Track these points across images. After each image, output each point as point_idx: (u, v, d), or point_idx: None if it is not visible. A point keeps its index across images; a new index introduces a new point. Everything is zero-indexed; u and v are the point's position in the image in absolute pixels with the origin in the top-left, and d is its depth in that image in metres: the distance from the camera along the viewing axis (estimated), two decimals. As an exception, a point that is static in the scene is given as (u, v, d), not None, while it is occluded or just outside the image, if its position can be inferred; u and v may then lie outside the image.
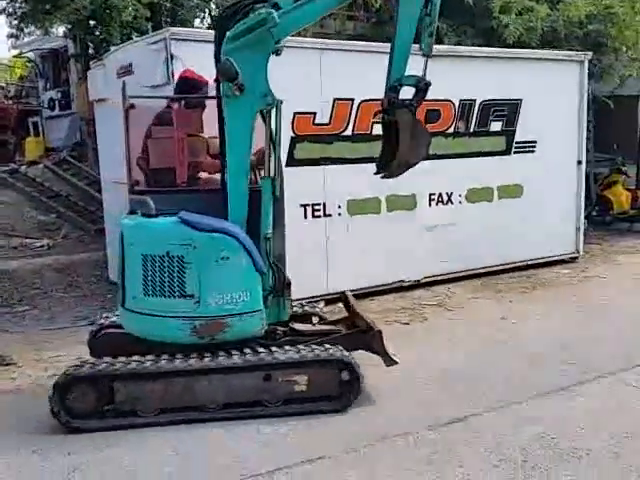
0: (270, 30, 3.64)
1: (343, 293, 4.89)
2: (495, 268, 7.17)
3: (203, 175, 4.41)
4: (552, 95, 7.30)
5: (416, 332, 5.39)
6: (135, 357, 3.75)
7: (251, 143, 3.81)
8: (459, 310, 5.97)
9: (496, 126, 7.06)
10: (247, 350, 3.84)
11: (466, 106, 6.76)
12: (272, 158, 3.88)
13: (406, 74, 3.89)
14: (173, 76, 5.11)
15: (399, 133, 3.91)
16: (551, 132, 7.38)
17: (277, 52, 3.80)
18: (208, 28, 8.60)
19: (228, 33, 3.69)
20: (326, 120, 5.99)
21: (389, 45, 6.52)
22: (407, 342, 4.93)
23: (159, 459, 3.34)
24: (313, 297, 6.06)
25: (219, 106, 3.89)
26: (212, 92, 4.26)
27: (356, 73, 6.01)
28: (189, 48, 5.15)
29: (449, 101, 6.48)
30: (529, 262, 7.44)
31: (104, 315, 4.57)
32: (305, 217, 5.97)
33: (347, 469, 3.22)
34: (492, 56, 6.95)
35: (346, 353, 3.89)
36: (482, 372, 4.20)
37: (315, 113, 5.91)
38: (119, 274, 3.92)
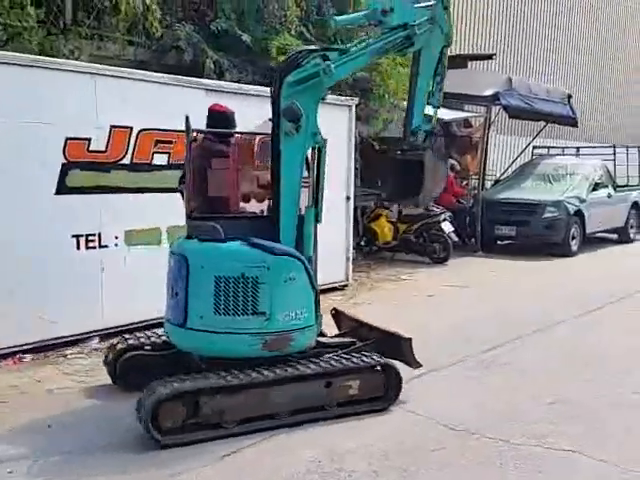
0: (324, 79, 4.14)
1: (335, 309, 5.45)
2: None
3: (242, 204, 4.86)
4: (327, 136, 7.81)
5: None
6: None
7: (301, 175, 4.28)
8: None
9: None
10: (306, 361, 4.23)
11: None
12: (316, 190, 4.39)
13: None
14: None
15: (424, 170, 4.68)
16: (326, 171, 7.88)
17: (323, 97, 4.35)
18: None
19: (288, 78, 4.13)
20: (102, 147, 5.76)
21: (170, 76, 6.47)
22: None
23: None
24: (87, 332, 5.75)
25: (273, 141, 4.23)
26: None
27: (135, 101, 5.89)
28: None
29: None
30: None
31: (118, 339, 4.78)
32: (78, 248, 5.65)
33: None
34: (262, 94, 7.22)
35: (389, 359, 4.46)
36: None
37: (90, 139, 5.66)
38: (181, 296, 4.11)
